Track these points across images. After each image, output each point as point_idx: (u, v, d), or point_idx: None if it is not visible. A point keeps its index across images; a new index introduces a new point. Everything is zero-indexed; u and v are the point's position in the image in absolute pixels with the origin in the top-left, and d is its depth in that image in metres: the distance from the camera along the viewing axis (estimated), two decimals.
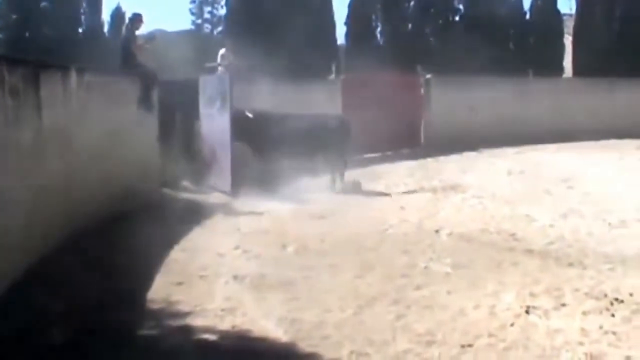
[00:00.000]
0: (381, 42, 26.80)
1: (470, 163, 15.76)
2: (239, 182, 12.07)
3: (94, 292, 6.27)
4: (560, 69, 26.56)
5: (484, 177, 13.49)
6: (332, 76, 23.37)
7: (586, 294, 6.32)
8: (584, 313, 5.84)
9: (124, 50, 12.00)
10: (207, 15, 28.83)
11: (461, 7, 27.29)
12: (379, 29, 27.16)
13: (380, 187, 12.77)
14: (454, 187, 12.38)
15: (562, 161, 15.44)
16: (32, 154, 7.30)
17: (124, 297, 6.36)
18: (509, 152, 17.29)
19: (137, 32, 12.31)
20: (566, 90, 21.75)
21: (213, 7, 28.76)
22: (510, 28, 26.88)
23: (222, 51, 15.71)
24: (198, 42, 25.25)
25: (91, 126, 9.21)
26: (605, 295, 6.22)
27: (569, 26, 27.48)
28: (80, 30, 26.13)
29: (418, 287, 6.68)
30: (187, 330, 5.67)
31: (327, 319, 5.84)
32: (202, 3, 28.80)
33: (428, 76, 19.56)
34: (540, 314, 5.83)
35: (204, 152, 13.24)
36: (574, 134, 18.91)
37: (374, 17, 27.04)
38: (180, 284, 6.93)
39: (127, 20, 13.37)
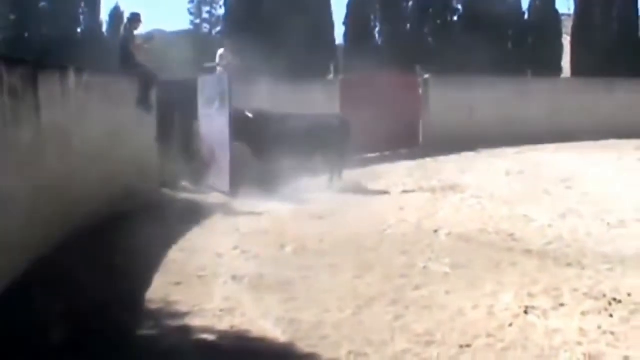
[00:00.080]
0: (380, 42, 26.83)
1: (469, 163, 15.75)
2: (238, 182, 12.07)
3: (93, 292, 6.26)
4: (558, 69, 26.59)
5: (483, 177, 13.48)
6: (331, 76, 23.41)
7: (585, 294, 6.32)
8: (583, 313, 5.84)
9: (123, 50, 11.99)
10: (205, 15, 28.87)
11: (460, 7, 27.32)
12: (377, 29, 27.20)
13: (379, 187, 12.77)
14: (453, 187, 12.37)
15: (561, 161, 15.44)
16: (31, 154, 7.31)
17: (123, 297, 6.36)
18: (508, 152, 17.28)
19: (136, 32, 12.30)
20: (565, 90, 21.73)
21: (211, 7, 28.81)
22: (508, 28, 26.92)
23: (220, 51, 15.70)
24: (196, 42, 25.30)
25: (90, 126, 9.21)
26: (604, 296, 6.22)
27: (567, 26, 27.53)
28: (78, 30, 26.14)
29: (417, 287, 6.68)
30: (186, 330, 5.67)
31: (326, 319, 5.84)
32: (200, 3, 28.82)
33: (426, 76, 19.54)
34: (538, 314, 5.83)
35: (202, 152, 13.24)
36: (573, 134, 18.91)
37: (372, 17, 27.07)
38: (178, 284, 6.93)
39: (125, 20, 13.33)
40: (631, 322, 5.62)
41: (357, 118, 14.12)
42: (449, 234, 8.91)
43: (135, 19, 12.22)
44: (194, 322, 5.83)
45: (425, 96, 19.14)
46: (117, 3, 27.27)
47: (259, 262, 7.73)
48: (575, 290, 6.43)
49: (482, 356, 5.08)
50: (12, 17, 25.48)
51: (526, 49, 26.28)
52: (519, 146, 17.82)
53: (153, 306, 6.26)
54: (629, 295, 6.22)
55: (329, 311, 6.02)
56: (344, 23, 26.77)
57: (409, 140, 18.34)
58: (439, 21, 27.10)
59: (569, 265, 7.36)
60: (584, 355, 5.01)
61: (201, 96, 13.31)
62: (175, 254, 8.08)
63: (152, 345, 5.39)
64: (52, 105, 7.96)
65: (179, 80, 14.36)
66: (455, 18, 27.40)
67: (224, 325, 5.77)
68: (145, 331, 5.70)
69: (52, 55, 18.34)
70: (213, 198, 11.96)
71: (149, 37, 13.37)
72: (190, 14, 28.89)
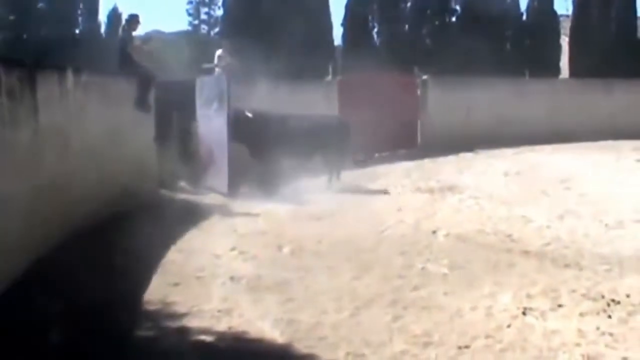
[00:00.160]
0: (378, 43, 26.86)
1: (467, 164, 15.77)
2: (236, 182, 12.07)
3: (92, 292, 6.25)
4: (556, 70, 26.61)
5: (481, 178, 13.50)
6: (329, 77, 23.39)
7: (583, 295, 6.32)
8: (581, 314, 5.84)
9: (121, 51, 11.97)
10: (204, 16, 28.90)
11: (458, 8, 27.34)
12: (375, 30, 27.22)
13: (377, 188, 12.77)
14: (451, 188, 12.37)
15: (559, 162, 15.44)
16: (30, 154, 7.31)
17: (121, 297, 6.35)
18: (506, 152, 17.28)
19: (134, 33, 12.28)
20: (563, 91, 21.75)
21: (210, 8, 28.83)
22: (506, 29, 26.95)
23: (219, 52, 15.68)
24: (195, 43, 25.32)
25: (88, 127, 9.21)
26: (602, 297, 6.22)
27: (565, 27, 27.54)
28: (77, 31, 26.14)
29: (415, 288, 6.68)
30: (184, 331, 5.66)
31: (324, 320, 5.84)
32: (199, 4, 28.84)
33: (425, 77, 19.58)
34: (537, 315, 5.83)
35: (200, 153, 13.24)
36: (571, 134, 18.92)
37: (370, 18, 27.09)
38: (176, 284, 6.93)
39: (124, 21, 13.34)
40: (629, 323, 5.62)
41: (355, 119, 14.11)
42: (447, 235, 8.91)
43: (133, 20, 12.20)
44: (192, 323, 5.82)
45: (423, 97, 19.15)
46: (115, 4, 27.34)
47: (257, 263, 7.73)
48: (574, 291, 6.43)
49: (480, 357, 5.08)
50: (11, 17, 25.48)
51: (524, 50, 26.32)
52: (517, 147, 17.82)
53: (151, 307, 6.26)
54: (628, 296, 6.22)
55: (327, 312, 6.02)
56: (342, 24, 26.80)
57: (407, 141, 18.34)
58: (437, 22, 27.14)
59: (567, 266, 7.36)
60: (583, 356, 5.01)
61: (199, 97, 13.30)
62: (173, 255, 8.08)
63: (151, 346, 5.39)
64: (50, 105, 7.95)
65: (178, 81, 14.36)
66: (454, 19, 27.44)
67: (222, 326, 5.76)
68: (144, 332, 5.69)
69: (51, 56, 18.35)
70: (211, 199, 11.96)
71: (148, 38, 13.37)
72: (189, 15, 28.95)
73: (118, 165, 10.04)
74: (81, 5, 26.19)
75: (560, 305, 6.06)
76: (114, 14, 26.31)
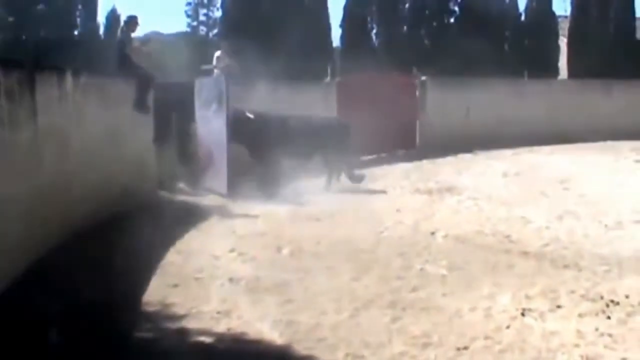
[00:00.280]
0: (376, 44, 26.83)
1: (465, 165, 15.79)
2: (236, 184, 12.07)
3: (91, 292, 6.26)
4: (555, 71, 26.61)
5: (480, 179, 13.51)
6: (328, 78, 23.38)
7: (582, 296, 6.32)
8: (580, 315, 5.84)
9: (120, 52, 11.97)
10: (202, 18, 28.90)
11: (456, 9, 27.33)
12: (374, 31, 27.20)
13: (376, 189, 12.77)
14: (450, 189, 12.38)
15: (558, 163, 15.47)
16: (30, 156, 7.32)
17: (120, 298, 6.35)
18: (505, 153, 17.31)
19: (133, 35, 12.28)
20: (561, 91, 21.81)
21: (208, 9, 28.83)
22: (505, 30, 26.93)
23: (217, 53, 15.69)
24: (194, 44, 25.30)
25: (87, 128, 9.22)
26: (601, 297, 6.23)
27: (564, 28, 27.53)
28: (76, 32, 26.12)
29: (414, 290, 6.68)
30: (183, 332, 5.66)
31: (323, 321, 5.83)
32: (197, 5, 28.84)
33: (423, 78, 19.59)
34: (536, 316, 5.83)
35: (199, 154, 13.24)
36: (569, 135, 18.95)
37: (369, 19, 27.07)
38: (175, 286, 6.92)
39: (122, 23, 13.32)
40: (629, 324, 5.62)
41: (353, 120, 14.09)
42: (445, 236, 8.92)
43: (132, 21, 12.20)
44: (191, 324, 5.82)
45: (422, 98, 19.16)
46: (113, 6, 27.38)
47: (256, 264, 7.72)
48: (573, 292, 6.43)
49: (479, 358, 5.07)
50: (10, 19, 25.47)
51: (523, 51, 26.31)
52: (516, 148, 17.86)
53: (150, 308, 6.26)
54: (627, 297, 6.23)
55: (326, 313, 6.02)
56: (341, 25, 26.78)
57: (405, 142, 18.37)
58: (435, 23, 27.11)
59: (566, 267, 7.36)
60: (582, 357, 5.01)
61: (198, 98, 13.30)
62: (172, 256, 8.07)
63: (150, 347, 5.39)
64: (49, 107, 7.96)
65: (176, 83, 14.36)
66: (452, 20, 27.42)
67: (221, 327, 5.76)
68: (143, 333, 5.69)
69: (50, 58, 18.30)
70: (210, 200, 11.96)
71: (146, 39, 13.36)
72: (188, 16, 28.95)
73: (117, 166, 10.05)
74: (80, 7, 26.16)
75: (559, 306, 6.06)
76: (113, 16, 26.26)
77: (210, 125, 12.77)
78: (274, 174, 12.00)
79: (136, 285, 6.81)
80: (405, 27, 26.97)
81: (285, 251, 8.29)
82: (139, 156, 10.96)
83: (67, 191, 8.32)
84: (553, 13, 27.65)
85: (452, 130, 18.14)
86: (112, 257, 7.56)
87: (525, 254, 7.95)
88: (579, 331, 5.47)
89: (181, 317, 5.98)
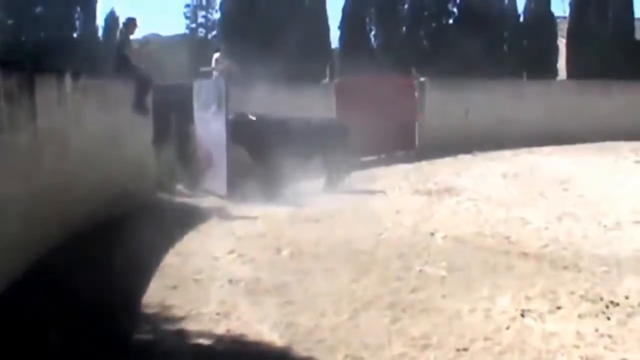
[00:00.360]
0: (375, 46, 26.77)
1: (465, 166, 15.78)
2: (235, 185, 12.07)
3: (90, 295, 6.25)
4: (554, 72, 26.57)
5: (479, 180, 13.51)
6: (326, 80, 23.36)
7: (581, 296, 6.33)
8: (580, 316, 5.84)
9: (119, 54, 11.98)
10: (201, 20, 28.80)
11: (455, 10, 27.29)
12: (373, 33, 27.15)
13: (375, 190, 12.77)
14: (449, 190, 12.38)
15: (557, 163, 15.47)
16: (29, 157, 7.33)
17: (119, 300, 6.35)
18: (504, 154, 17.31)
19: (132, 37, 12.28)
20: (560, 92, 21.80)
21: (207, 11, 28.75)
22: (504, 31, 26.89)
23: (216, 55, 15.69)
24: (192, 46, 25.31)
25: (87, 130, 9.23)
26: (601, 298, 6.23)
27: (562, 29, 27.50)
28: (75, 34, 26.10)
29: (413, 291, 6.68)
30: (182, 334, 5.66)
31: (322, 322, 5.83)
32: (196, 7, 28.78)
33: (422, 79, 19.57)
34: (535, 317, 5.83)
35: (198, 156, 13.24)
36: (569, 136, 18.95)
37: (368, 20, 27.02)
38: (175, 287, 6.92)
39: (121, 25, 13.32)
40: (628, 325, 5.62)
41: (352, 121, 14.08)
42: (445, 237, 8.92)
43: (131, 23, 12.21)
44: (190, 326, 5.82)
45: (421, 99, 19.15)
46: (112, 8, 27.32)
47: (255, 265, 7.72)
48: (572, 293, 6.43)
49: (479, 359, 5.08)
50: (9, 21, 25.45)
51: (522, 52, 26.25)
52: (515, 149, 17.85)
53: (149, 310, 6.26)
54: (626, 297, 6.23)
55: (326, 315, 6.02)
56: (340, 27, 26.73)
57: (405, 143, 18.35)
58: (434, 24, 27.04)
59: (565, 268, 7.36)
60: (581, 358, 5.01)
61: (197, 100, 13.30)
62: (171, 258, 8.07)
63: (149, 349, 5.38)
64: (49, 109, 7.97)
65: (175, 84, 14.36)
66: (451, 21, 27.35)
67: (220, 329, 5.76)
68: (142, 335, 5.69)
69: (49, 60, 18.29)
70: (209, 202, 11.95)
71: (145, 41, 13.38)
72: (186, 18, 28.86)
73: (116, 167, 10.05)
74: (79, 9, 26.13)
75: (558, 307, 6.06)
76: (112, 18, 26.20)
77: (209, 127, 12.77)
78: (274, 175, 12.00)
79: (135, 286, 6.81)
80: (404, 28, 26.90)
81: (284, 252, 8.29)
82: (138, 157, 10.97)
83: (67, 192, 8.32)
84: (552, 14, 27.59)
85: (451, 131, 18.13)
86: (112, 258, 7.56)
87: (524, 255, 7.95)
88: (578, 332, 5.47)
89: (180, 319, 5.98)
